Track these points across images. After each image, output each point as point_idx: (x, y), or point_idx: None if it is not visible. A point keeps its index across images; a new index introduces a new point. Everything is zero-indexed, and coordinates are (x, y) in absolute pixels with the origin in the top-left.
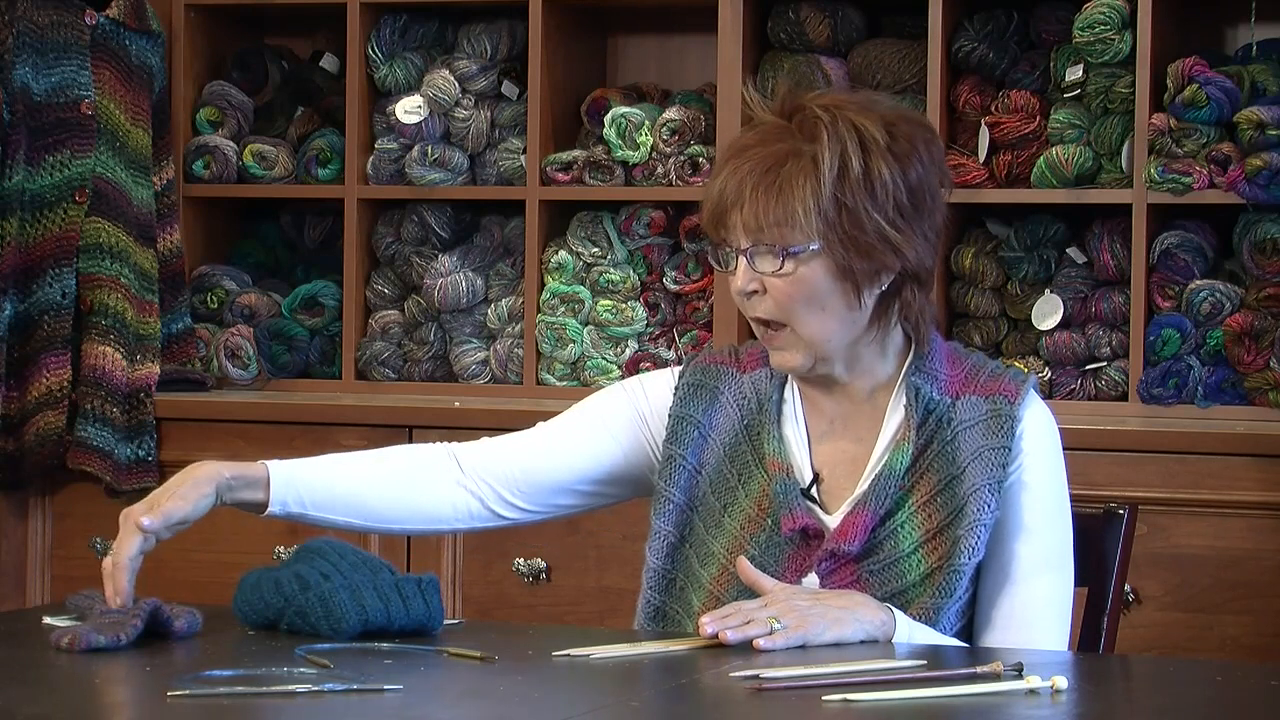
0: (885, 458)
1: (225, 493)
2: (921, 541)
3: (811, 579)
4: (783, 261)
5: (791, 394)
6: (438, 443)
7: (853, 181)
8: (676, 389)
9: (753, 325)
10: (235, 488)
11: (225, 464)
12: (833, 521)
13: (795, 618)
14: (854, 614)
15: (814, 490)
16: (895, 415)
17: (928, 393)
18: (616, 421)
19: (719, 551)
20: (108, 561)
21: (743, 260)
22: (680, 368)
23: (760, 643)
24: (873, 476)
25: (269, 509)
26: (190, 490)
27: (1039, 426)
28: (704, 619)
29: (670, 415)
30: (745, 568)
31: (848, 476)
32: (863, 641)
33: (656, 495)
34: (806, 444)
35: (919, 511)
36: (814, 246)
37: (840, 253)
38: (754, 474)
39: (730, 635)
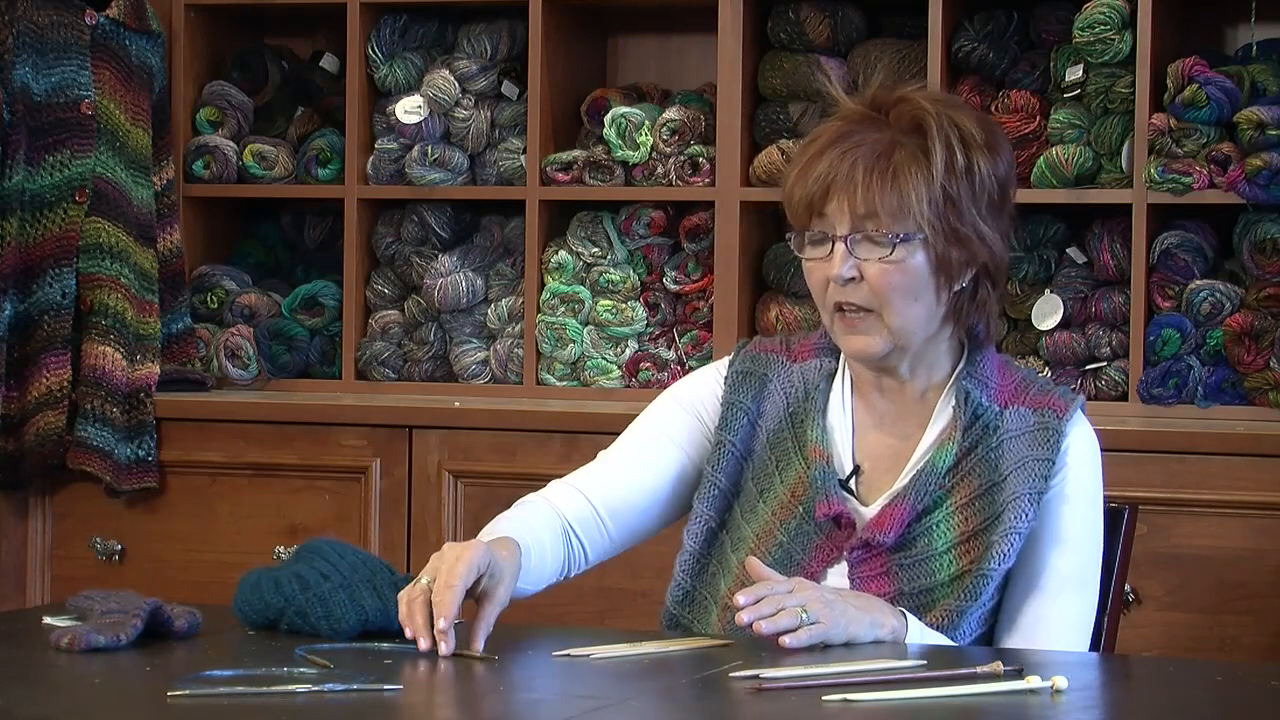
0: (929, 455)
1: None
2: (955, 543)
3: (840, 567)
4: (893, 248)
5: (842, 385)
6: (536, 496)
7: (958, 173)
8: (727, 377)
9: (829, 314)
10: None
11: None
12: (869, 513)
13: (821, 610)
14: (870, 616)
15: (853, 482)
16: (943, 415)
17: (977, 397)
18: (674, 427)
19: (749, 536)
20: (439, 583)
21: (840, 246)
22: (729, 357)
23: (786, 640)
24: (914, 472)
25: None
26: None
27: (1084, 444)
28: (740, 598)
29: (722, 403)
30: (754, 566)
31: (889, 471)
32: (872, 643)
33: (703, 480)
34: (851, 435)
35: (957, 513)
36: (921, 235)
37: (941, 244)
38: (793, 461)
39: (764, 627)
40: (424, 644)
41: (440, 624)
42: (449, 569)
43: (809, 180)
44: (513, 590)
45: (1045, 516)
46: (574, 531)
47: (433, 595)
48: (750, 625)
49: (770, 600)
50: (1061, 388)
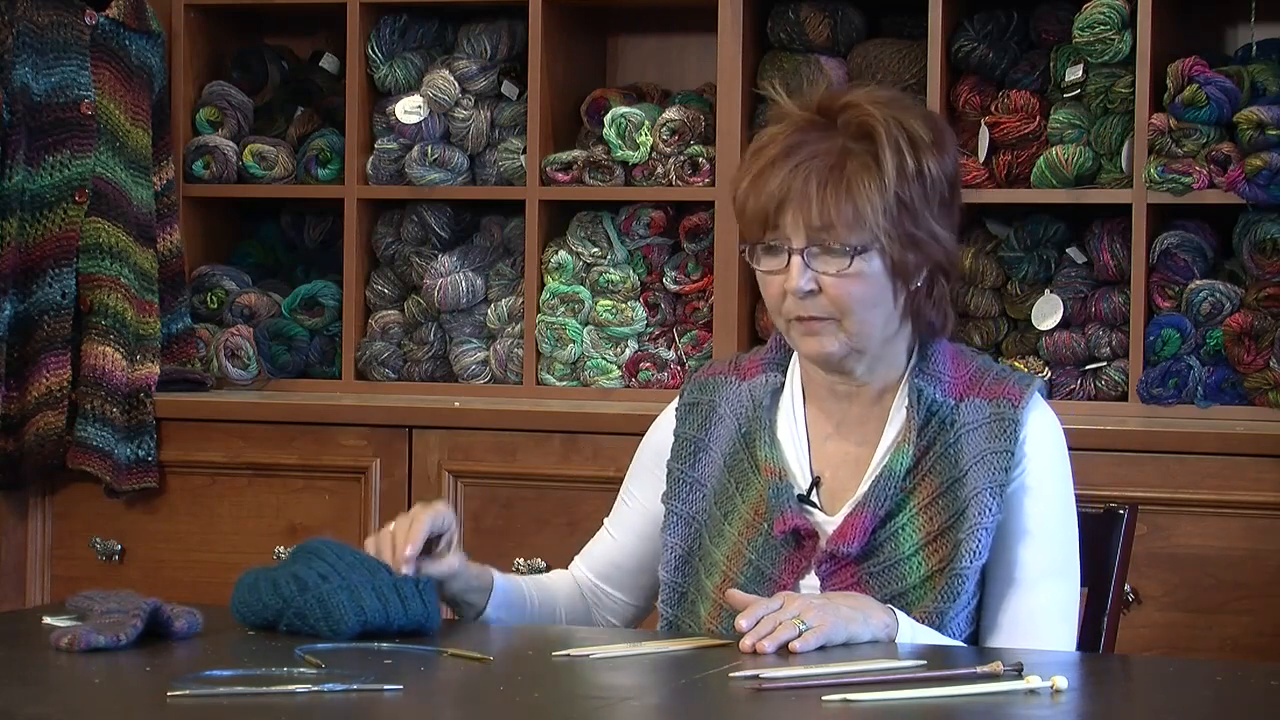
0: (886, 459)
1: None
2: (922, 544)
3: (811, 579)
4: (851, 260)
5: (791, 398)
6: (563, 571)
7: (909, 178)
8: (677, 410)
9: (784, 322)
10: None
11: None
12: (834, 523)
13: (816, 615)
14: (864, 614)
15: (814, 493)
16: (898, 416)
17: (930, 394)
18: (635, 482)
19: (720, 560)
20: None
21: (796, 260)
22: (680, 389)
23: (796, 645)
24: (873, 478)
25: (482, 614)
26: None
27: (1042, 431)
28: (741, 622)
29: (674, 436)
30: (733, 597)
31: (850, 477)
32: (868, 642)
33: (665, 514)
34: (807, 446)
35: (920, 514)
36: (877, 245)
37: (897, 250)
38: (751, 480)
39: (767, 645)
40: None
41: (406, 551)
42: (411, 514)
43: (762, 195)
44: (460, 566)
45: (1011, 510)
46: (585, 597)
47: (395, 531)
48: (754, 648)
49: (767, 620)
50: (1018, 373)
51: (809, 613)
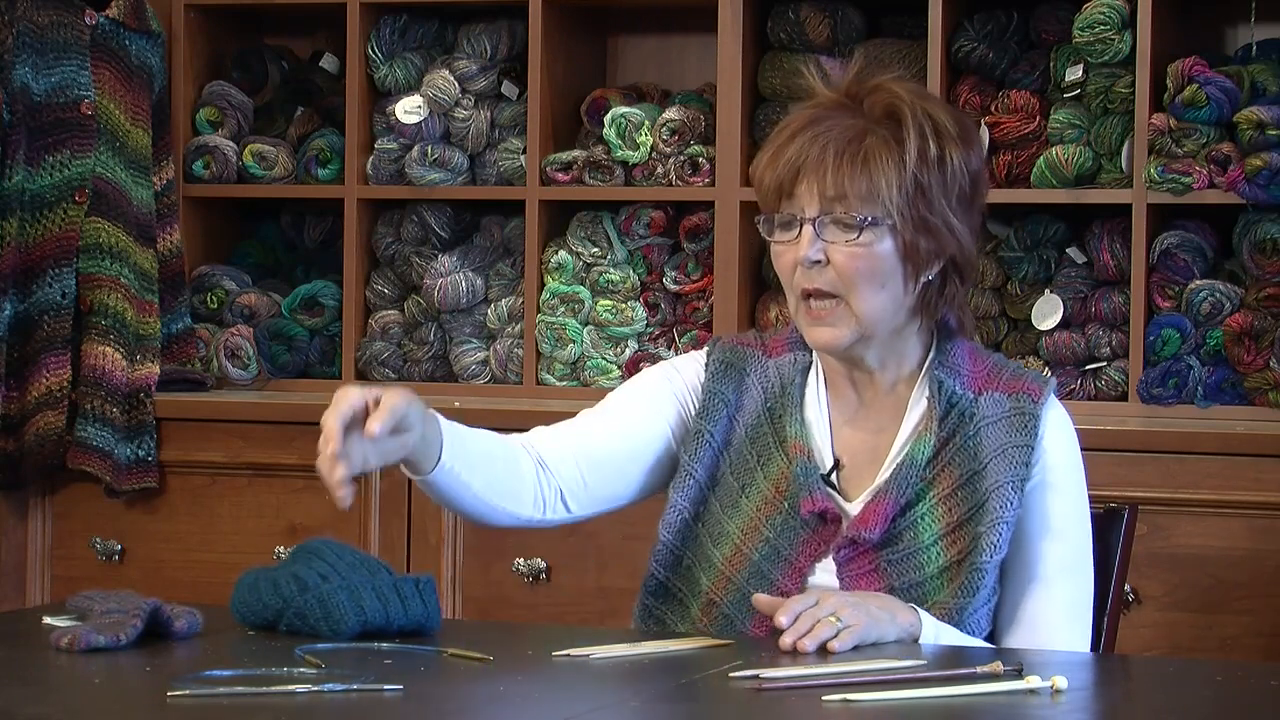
0: (907, 448)
1: (420, 424)
2: (941, 534)
3: (828, 563)
4: (860, 232)
5: (816, 380)
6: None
7: (930, 163)
8: (708, 365)
9: (796, 300)
10: (427, 430)
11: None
12: (852, 509)
13: (850, 614)
14: (891, 614)
15: (834, 476)
16: (918, 407)
17: (950, 386)
18: (659, 397)
19: (733, 532)
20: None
21: (808, 229)
22: (707, 347)
23: (834, 645)
24: (894, 466)
25: (438, 466)
26: (400, 396)
27: (1060, 428)
28: (780, 618)
29: (704, 389)
30: (761, 601)
31: (868, 465)
32: (895, 641)
33: (680, 469)
34: (829, 430)
35: (940, 504)
36: (889, 221)
37: (910, 232)
38: (774, 456)
39: (808, 644)
40: (341, 496)
41: (329, 449)
42: (332, 406)
43: (779, 164)
44: (412, 417)
45: (1031, 507)
46: (546, 466)
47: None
48: (795, 646)
49: (805, 617)
50: (1033, 371)
51: (844, 611)
